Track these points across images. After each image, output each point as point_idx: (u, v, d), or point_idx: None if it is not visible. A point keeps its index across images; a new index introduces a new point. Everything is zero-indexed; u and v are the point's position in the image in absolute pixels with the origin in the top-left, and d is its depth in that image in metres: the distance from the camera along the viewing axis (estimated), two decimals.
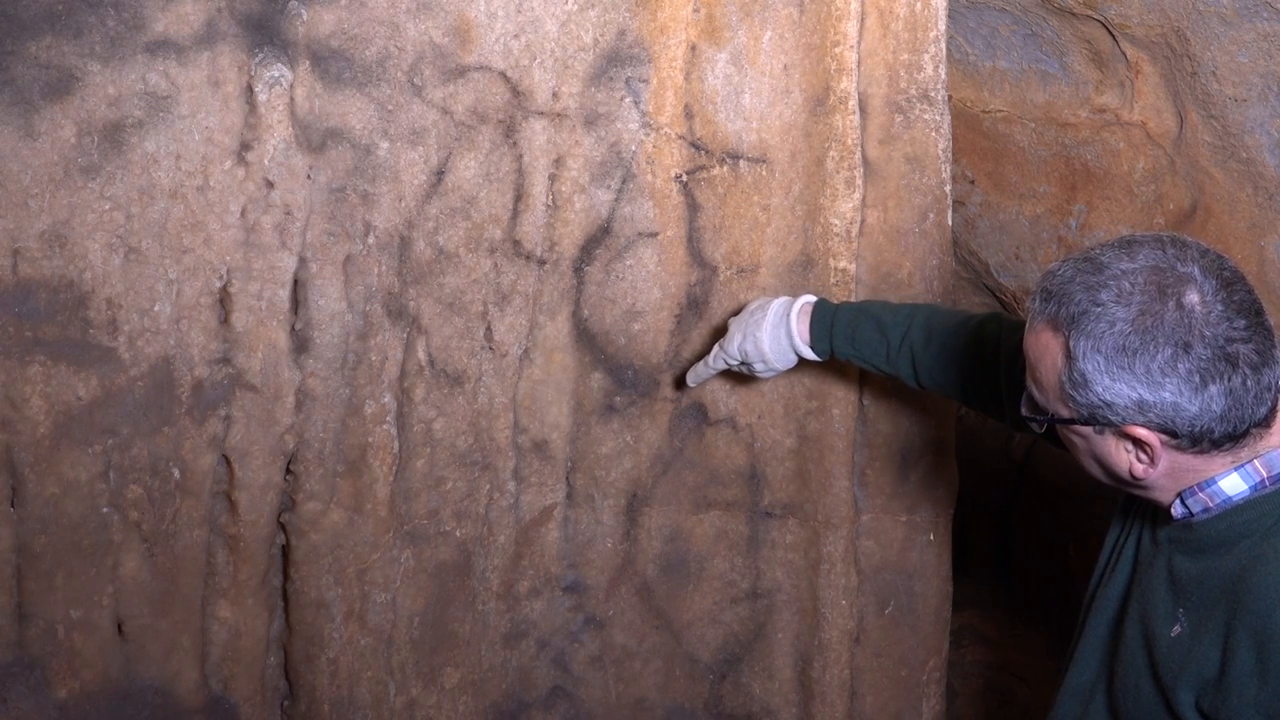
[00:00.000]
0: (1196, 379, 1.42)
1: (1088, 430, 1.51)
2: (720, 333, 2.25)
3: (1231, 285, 1.44)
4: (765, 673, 2.41)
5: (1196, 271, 1.44)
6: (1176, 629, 1.53)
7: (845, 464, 2.32)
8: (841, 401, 2.30)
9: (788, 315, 2.11)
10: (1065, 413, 1.51)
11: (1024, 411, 1.58)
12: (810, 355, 2.12)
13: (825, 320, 2.10)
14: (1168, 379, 1.42)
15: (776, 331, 2.11)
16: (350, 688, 2.21)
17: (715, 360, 2.19)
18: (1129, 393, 1.44)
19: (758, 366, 2.14)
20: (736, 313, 2.23)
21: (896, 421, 2.35)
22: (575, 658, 2.38)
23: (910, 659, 2.43)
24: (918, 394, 2.35)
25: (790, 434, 2.33)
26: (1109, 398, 1.45)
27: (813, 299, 2.14)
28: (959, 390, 2.02)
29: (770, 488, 2.35)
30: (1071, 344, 1.45)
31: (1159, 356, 1.42)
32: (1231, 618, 1.47)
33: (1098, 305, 1.44)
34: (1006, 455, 4.10)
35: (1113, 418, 1.47)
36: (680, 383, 2.29)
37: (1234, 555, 1.49)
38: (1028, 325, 1.53)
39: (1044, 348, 1.50)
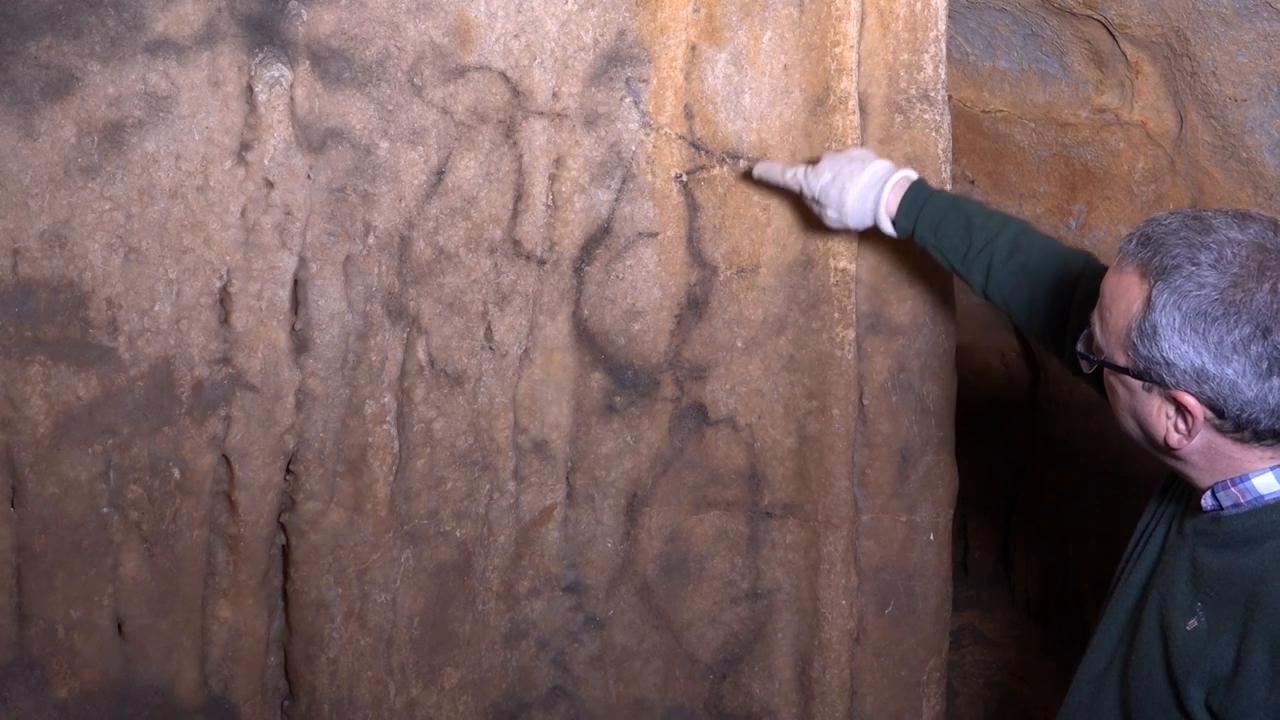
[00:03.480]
0: (1264, 366, 1.41)
1: (1136, 384, 1.50)
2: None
3: None
4: (765, 673, 2.41)
5: None
6: (1193, 623, 1.53)
7: (845, 464, 2.32)
8: (841, 401, 2.30)
9: (883, 182, 2.07)
10: (1121, 360, 1.49)
11: (1079, 348, 1.57)
12: (889, 229, 2.08)
13: (917, 201, 2.06)
14: (1236, 357, 1.41)
15: (867, 193, 2.07)
16: (350, 688, 2.21)
17: (791, 178, 2.15)
18: (1194, 358, 1.43)
19: (830, 214, 2.10)
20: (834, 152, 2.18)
21: (896, 421, 2.35)
22: (575, 658, 2.38)
23: (910, 659, 2.43)
24: (918, 394, 2.35)
25: (790, 434, 2.33)
26: (1172, 357, 1.44)
27: (913, 175, 2.10)
28: (1024, 312, 1.99)
29: (770, 488, 2.35)
30: (1154, 294, 1.44)
31: (1236, 333, 1.40)
32: (1249, 618, 1.46)
33: (1194, 264, 1.42)
34: (1006, 455, 4.11)
35: (1167, 378, 1.45)
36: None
37: (1258, 555, 1.49)
38: (1115, 263, 1.51)
39: (1124, 290, 1.48)
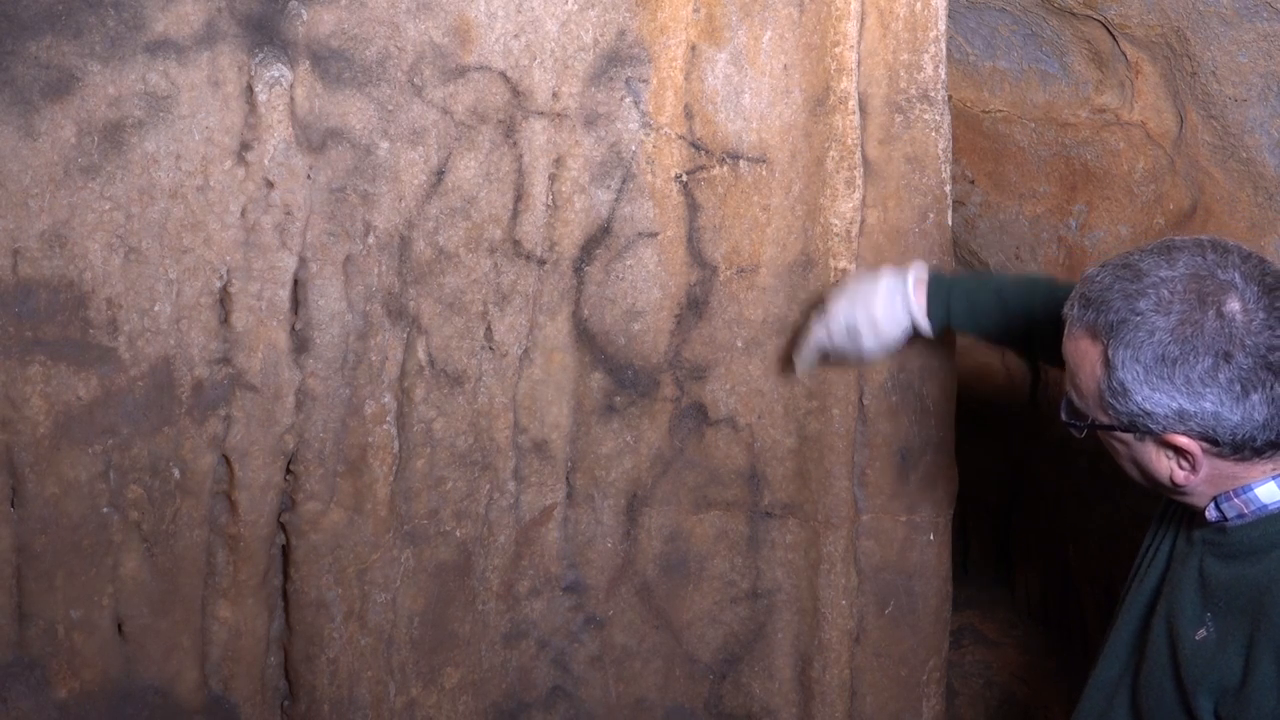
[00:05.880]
0: (1238, 388, 1.41)
1: (1128, 437, 1.50)
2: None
3: (1274, 291, 1.43)
4: (765, 673, 2.41)
5: (1237, 278, 1.43)
6: (1202, 633, 1.53)
7: (845, 464, 2.32)
8: (841, 401, 2.30)
9: (904, 283, 2.05)
10: (1105, 419, 1.50)
11: (1063, 417, 1.57)
12: (925, 326, 2.06)
13: (942, 291, 2.04)
14: (1208, 389, 1.42)
15: (891, 300, 2.05)
16: (350, 688, 2.21)
17: (814, 338, 2.12)
18: (1169, 402, 1.43)
19: (865, 341, 2.07)
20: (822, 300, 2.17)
21: (896, 421, 2.35)
22: (575, 658, 2.38)
23: (910, 659, 2.43)
24: (918, 394, 2.35)
25: (790, 434, 2.33)
26: (1149, 407, 1.44)
27: (923, 270, 2.08)
28: None
29: (770, 488, 2.35)
30: (1110, 353, 1.45)
31: (1199, 366, 1.41)
32: (1256, 628, 1.46)
33: (1137, 314, 1.43)
34: (1006, 455, 4.10)
35: (1153, 426, 1.46)
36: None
37: (1263, 565, 1.49)
38: (1065, 330, 1.52)
39: (1082, 355, 1.49)
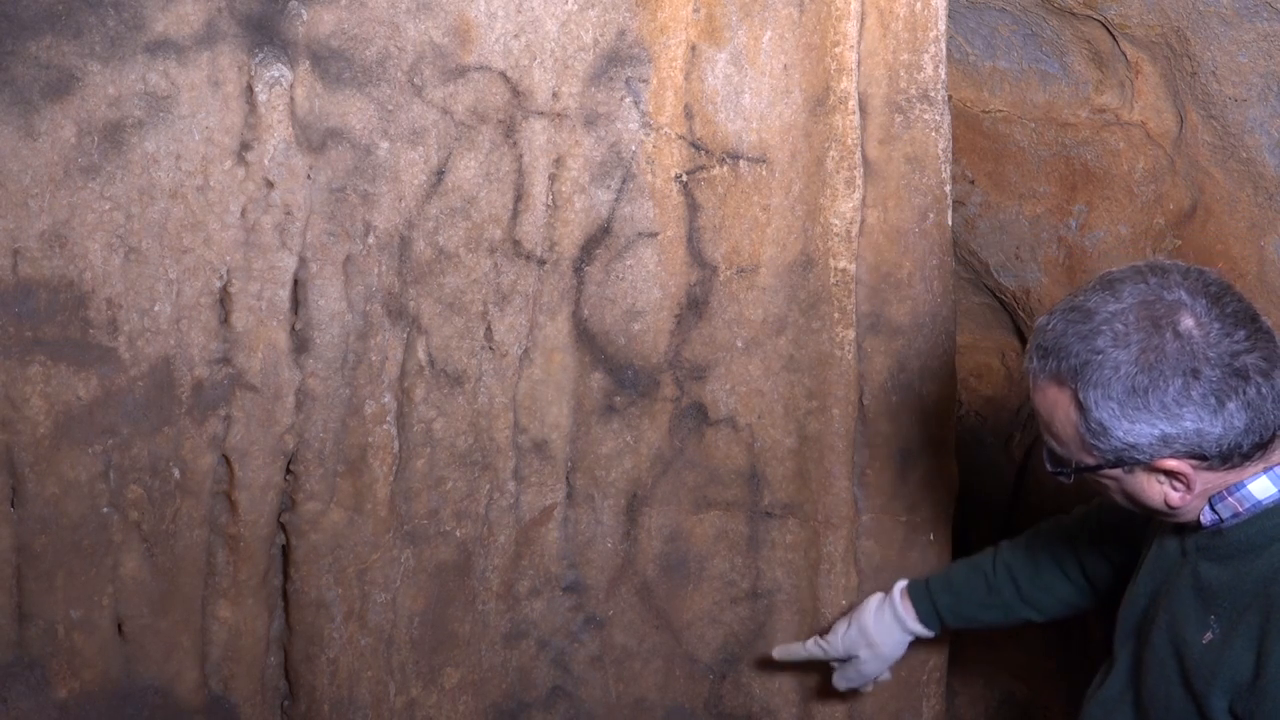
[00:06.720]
0: (1213, 401, 1.42)
1: (1117, 472, 1.51)
2: None
3: (1221, 299, 1.44)
4: (765, 673, 2.41)
5: (1184, 295, 1.44)
6: (1208, 636, 1.54)
7: (845, 464, 2.32)
8: (841, 401, 2.30)
9: (889, 598, 2.19)
10: (1091, 461, 1.51)
11: (1048, 467, 1.59)
12: (920, 629, 2.18)
13: (920, 589, 2.18)
14: (1184, 408, 1.43)
15: (880, 614, 2.19)
16: (350, 688, 2.21)
17: (812, 646, 2.26)
18: (1150, 430, 1.44)
19: (862, 653, 2.19)
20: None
21: (896, 421, 2.35)
22: (575, 658, 2.38)
23: (910, 659, 2.43)
24: (918, 394, 2.35)
25: (790, 434, 2.33)
26: (1131, 439, 1.46)
27: (903, 582, 2.22)
28: (1074, 595, 2.09)
29: (770, 488, 2.35)
30: (1081, 396, 1.45)
31: (1171, 389, 1.42)
32: (1265, 620, 1.47)
33: (1097, 353, 1.44)
34: (1006, 455, 4.10)
35: (1139, 456, 1.47)
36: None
37: (1265, 558, 1.50)
38: (1031, 383, 1.53)
39: (1053, 404, 1.50)
